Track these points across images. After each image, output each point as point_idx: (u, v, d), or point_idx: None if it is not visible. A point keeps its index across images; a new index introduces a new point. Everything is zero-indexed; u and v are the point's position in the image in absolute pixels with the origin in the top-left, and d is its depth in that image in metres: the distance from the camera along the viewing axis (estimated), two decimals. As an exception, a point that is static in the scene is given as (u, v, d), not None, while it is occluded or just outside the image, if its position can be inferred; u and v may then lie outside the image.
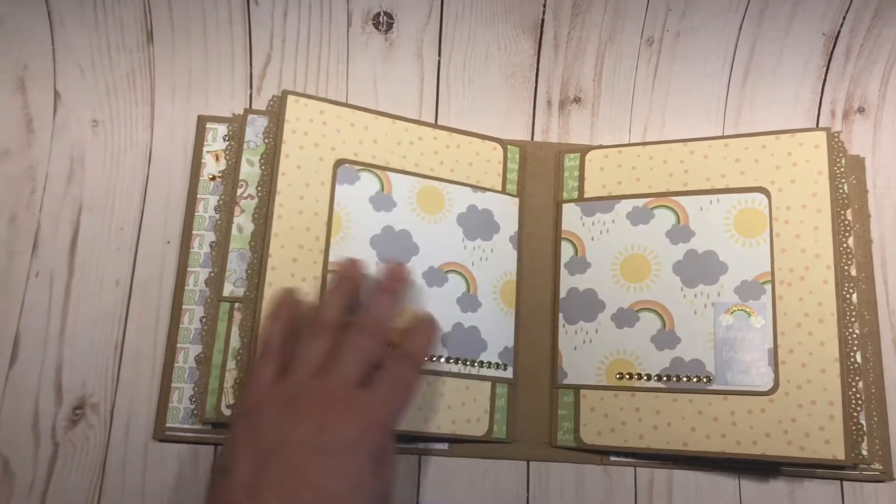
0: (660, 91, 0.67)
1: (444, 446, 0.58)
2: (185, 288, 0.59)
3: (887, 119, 0.66)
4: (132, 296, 0.60)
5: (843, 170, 0.60)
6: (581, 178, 0.63)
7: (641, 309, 0.59)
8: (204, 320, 0.58)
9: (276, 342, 0.52)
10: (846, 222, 0.59)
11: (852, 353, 0.57)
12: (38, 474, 0.56)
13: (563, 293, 0.61)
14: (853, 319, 0.57)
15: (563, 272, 0.62)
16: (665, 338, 0.58)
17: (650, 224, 0.61)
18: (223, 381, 0.56)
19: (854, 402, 0.56)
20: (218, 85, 0.65)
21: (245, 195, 0.59)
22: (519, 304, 0.61)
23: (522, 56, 0.67)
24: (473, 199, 0.62)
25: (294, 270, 0.57)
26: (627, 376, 0.58)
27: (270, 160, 0.59)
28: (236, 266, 0.58)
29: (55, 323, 0.58)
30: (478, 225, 0.62)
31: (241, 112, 0.62)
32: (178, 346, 0.58)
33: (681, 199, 0.61)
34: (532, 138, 0.66)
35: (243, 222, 0.59)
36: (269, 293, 0.56)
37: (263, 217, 0.58)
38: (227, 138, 0.62)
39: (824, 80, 0.66)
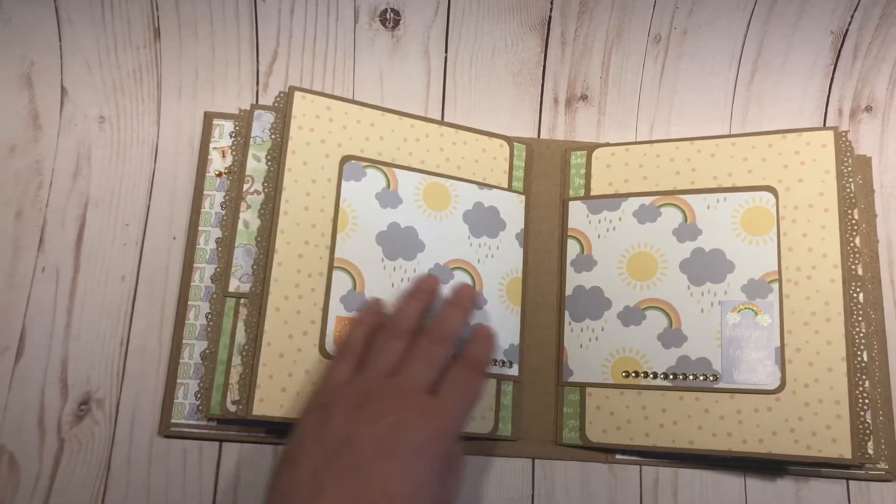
0: (667, 89, 0.67)
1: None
2: (191, 284, 0.59)
3: (895, 118, 0.65)
4: (138, 291, 0.60)
5: (850, 169, 0.60)
6: (588, 176, 0.63)
7: (648, 307, 0.59)
8: (209, 316, 0.58)
9: (355, 343, 0.54)
10: (853, 221, 0.59)
11: (859, 352, 0.57)
12: (44, 469, 0.56)
13: (569, 291, 0.61)
14: (860, 318, 0.57)
15: (570, 270, 0.62)
16: (671, 336, 0.58)
17: (657, 222, 0.61)
18: (228, 377, 0.56)
19: (860, 401, 0.55)
20: (224, 81, 0.65)
21: (251, 191, 0.59)
22: (525, 301, 0.61)
23: (529, 53, 0.67)
24: (479, 197, 0.62)
25: (300, 266, 0.57)
26: (633, 374, 0.58)
27: (277, 156, 0.59)
28: (242, 262, 0.58)
29: (61, 318, 0.59)
30: (484, 222, 0.61)
31: (248, 108, 0.62)
32: (184, 341, 0.58)
33: (688, 198, 0.61)
34: (538, 136, 0.66)
35: (249, 218, 0.59)
36: (276, 289, 0.56)
37: (269, 213, 0.58)
38: (233, 134, 0.62)
39: (832, 79, 0.66)
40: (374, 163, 0.60)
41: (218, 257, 0.59)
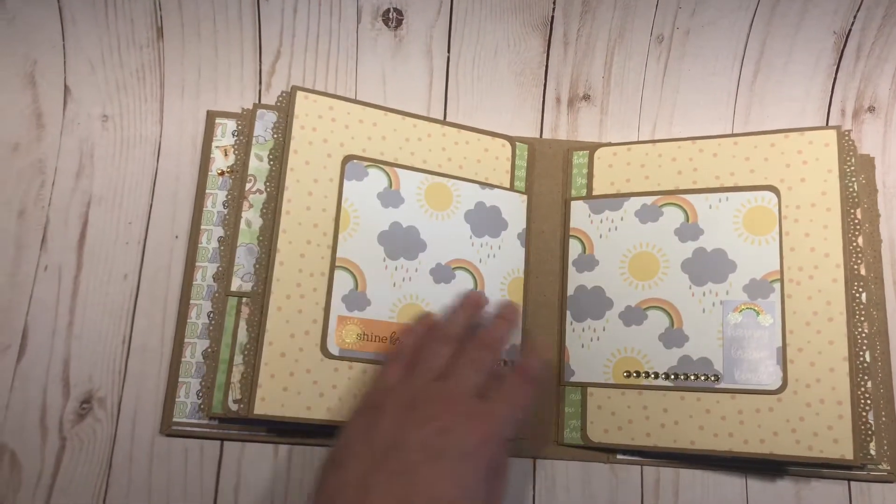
0: (669, 89, 0.67)
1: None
2: (193, 282, 0.59)
3: (898, 118, 0.65)
4: (140, 290, 0.60)
5: (852, 168, 0.60)
6: (590, 176, 0.63)
7: (649, 307, 0.59)
8: (211, 315, 0.58)
9: (406, 349, 0.55)
10: (856, 221, 0.59)
11: (861, 353, 0.56)
12: (46, 468, 0.56)
13: (570, 291, 0.61)
14: (862, 318, 0.57)
15: (571, 270, 0.62)
16: (673, 336, 0.58)
17: (659, 222, 0.61)
18: (230, 376, 0.56)
19: (863, 401, 0.55)
20: (227, 81, 0.65)
21: (253, 190, 0.60)
22: (526, 301, 0.61)
23: (532, 53, 0.67)
24: (481, 196, 0.62)
25: (302, 266, 0.57)
26: (635, 374, 0.58)
27: (279, 155, 0.59)
28: (244, 261, 0.58)
29: (63, 317, 0.59)
30: (486, 222, 0.61)
31: (251, 108, 0.62)
32: (186, 340, 0.58)
33: (690, 197, 0.61)
34: (541, 135, 0.66)
35: (251, 217, 0.59)
36: (277, 288, 0.56)
37: (272, 212, 0.58)
38: (235, 134, 0.62)
39: (835, 79, 0.66)
40: (377, 162, 0.60)
41: (220, 256, 0.59)
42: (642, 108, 0.66)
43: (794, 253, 0.58)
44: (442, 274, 0.60)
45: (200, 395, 0.57)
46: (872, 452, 0.55)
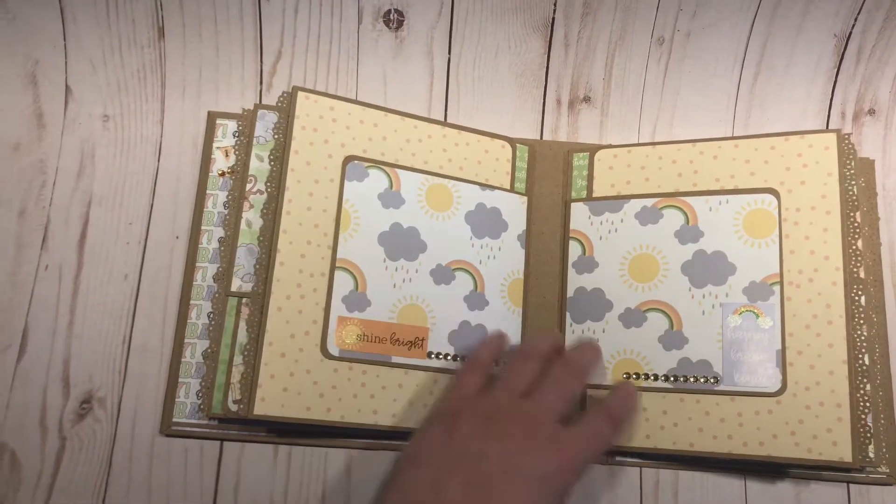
0: (670, 91, 0.67)
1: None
2: (193, 283, 0.59)
3: (898, 121, 0.66)
4: (140, 290, 0.60)
5: (852, 172, 0.60)
6: (590, 178, 0.63)
7: (649, 309, 0.59)
8: (211, 315, 0.58)
9: (484, 359, 0.55)
10: (855, 224, 0.59)
11: (860, 356, 0.56)
12: (46, 467, 0.56)
13: (570, 292, 0.61)
14: (861, 321, 0.57)
15: (571, 271, 0.62)
16: (673, 338, 0.58)
17: (659, 224, 0.61)
18: (230, 377, 0.56)
19: (862, 404, 0.55)
20: (228, 81, 0.65)
21: (254, 190, 0.60)
22: (526, 302, 0.61)
23: (532, 55, 0.67)
24: (482, 198, 0.62)
25: (302, 266, 0.57)
26: (634, 376, 0.58)
27: (280, 156, 0.59)
28: (244, 261, 0.58)
29: (63, 316, 0.59)
30: (486, 223, 0.61)
31: (251, 108, 0.62)
32: (186, 340, 0.58)
33: (690, 200, 0.61)
34: (541, 137, 0.66)
35: (252, 218, 0.59)
36: (277, 289, 0.56)
37: (272, 213, 0.58)
38: (236, 134, 0.62)
39: (835, 81, 0.66)
40: (377, 163, 0.60)
41: (220, 257, 0.59)
42: (643, 110, 0.66)
43: (793, 256, 0.58)
44: (442, 275, 0.60)
45: (200, 395, 0.57)
46: (871, 455, 0.55)
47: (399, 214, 0.60)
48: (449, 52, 0.67)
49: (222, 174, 0.61)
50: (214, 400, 0.56)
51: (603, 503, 0.58)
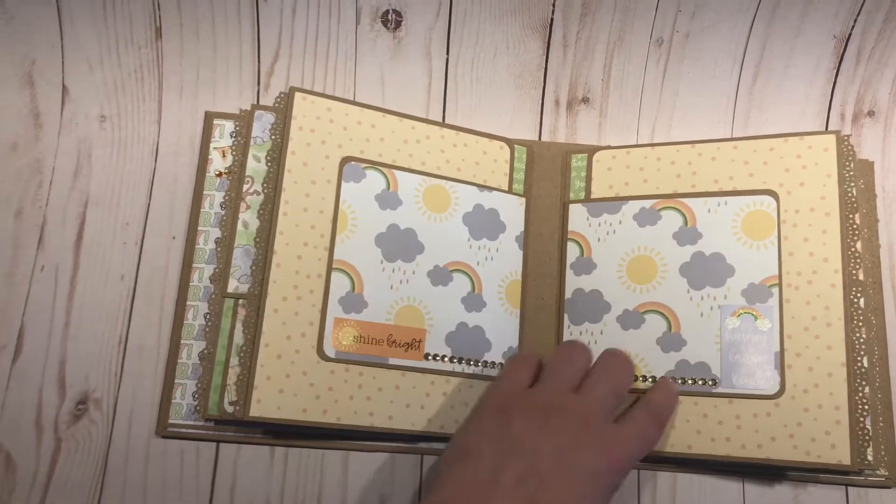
0: (668, 92, 0.66)
1: (446, 446, 0.58)
2: (190, 284, 0.59)
3: (898, 123, 0.65)
4: (137, 291, 0.60)
5: (852, 173, 0.59)
6: (588, 179, 0.63)
7: (647, 311, 0.59)
8: (208, 316, 0.58)
9: (532, 353, 0.56)
10: (854, 226, 0.59)
11: (859, 358, 0.56)
12: (41, 468, 0.56)
13: (568, 294, 0.61)
14: (860, 324, 0.57)
15: (569, 273, 0.61)
16: (671, 340, 0.58)
17: (657, 225, 0.60)
18: (226, 378, 0.56)
19: (860, 406, 0.55)
20: (226, 81, 0.65)
21: (251, 191, 0.59)
22: (524, 304, 0.61)
23: (531, 55, 0.67)
24: (480, 199, 0.62)
25: (299, 268, 0.57)
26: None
27: (277, 157, 0.59)
28: (241, 262, 0.58)
29: (59, 317, 0.59)
30: (484, 224, 0.61)
31: (249, 109, 0.62)
32: (182, 342, 0.58)
33: (688, 201, 0.60)
34: (539, 138, 0.66)
35: (249, 219, 0.59)
36: (274, 290, 0.56)
37: (269, 214, 0.58)
38: (233, 135, 0.62)
39: (834, 83, 0.66)
40: (374, 164, 0.60)
41: (217, 258, 0.59)
42: (641, 112, 0.66)
43: (792, 258, 0.58)
44: (439, 276, 0.59)
45: (196, 396, 0.57)
46: (870, 458, 0.55)
47: (396, 215, 0.60)
48: (447, 53, 0.67)
49: (219, 175, 0.61)
50: (210, 401, 0.56)
51: (600, 506, 0.58)
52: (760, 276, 0.58)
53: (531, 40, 0.67)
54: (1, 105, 0.62)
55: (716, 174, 0.61)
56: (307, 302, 0.56)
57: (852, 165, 0.60)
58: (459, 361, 0.58)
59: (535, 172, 0.64)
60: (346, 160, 0.59)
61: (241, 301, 0.57)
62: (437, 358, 0.58)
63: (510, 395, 0.52)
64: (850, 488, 0.57)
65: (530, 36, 0.67)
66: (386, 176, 0.60)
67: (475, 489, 0.46)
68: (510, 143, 0.64)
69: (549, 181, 0.64)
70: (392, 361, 0.57)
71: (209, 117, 0.63)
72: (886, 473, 0.56)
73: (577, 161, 0.64)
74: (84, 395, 0.57)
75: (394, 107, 0.62)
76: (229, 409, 0.55)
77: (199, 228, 0.60)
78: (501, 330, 0.60)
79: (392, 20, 0.67)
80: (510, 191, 0.63)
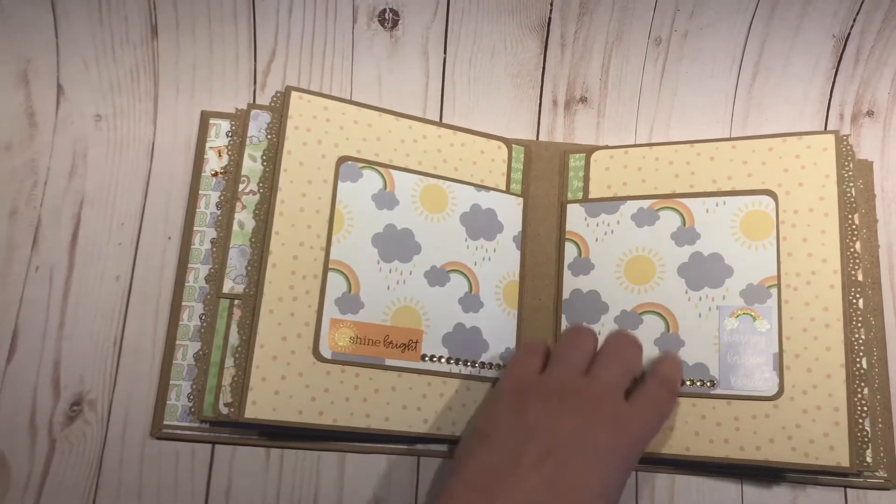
0: (667, 91, 0.66)
1: (443, 447, 0.58)
2: (186, 284, 0.59)
3: (897, 123, 0.65)
4: (132, 291, 0.59)
5: (850, 173, 0.59)
6: (586, 179, 0.63)
7: (645, 311, 0.59)
8: (203, 317, 0.57)
9: (541, 343, 0.56)
10: (853, 227, 0.59)
11: (858, 359, 0.56)
12: (35, 470, 0.55)
13: (566, 294, 0.61)
14: (859, 325, 0.57)
15: (567, 273, 0.61)
16: (669, 341, 0.58)
17: (655, 226, 0.60)
18: (221, 379, 0.55)
19: (859, 408, 0.55)
20: (222, 81, 0.64)
21: (247, 191, 0.59)
22: (521, 305, 0.61)
23: (529, 55, 0.67)
24: (477, 199, 0.61)
25: (295, 268, 0.56)
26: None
27: (273, 156, 0.59)
28: (237, 263, 0.58)
29: (54, 318, 0.58)
30: (481, 224, 0.61)
31: (245, 108, 0.62)
32: (178, 342, 0.58)
33: (686, 201, 0.60)
34: (537, 138, 0.65)
35: (244, 219, 0.58)
36: (269, 290, 0.55)
37: (265, 213, 0.57)
38: (229, 134, 0.62)
39: (833, 82, 0.66)
40: (371, 164, 0.60)
41: (212, 258, 0.59)
42: (639, 111, 0.66)
43: (791, 258, 0.57)
44: (436, 277, 0.59)
45: (191, 397, 0.56)
46: (869, 460, 0.55)
47: (393, 215, 0.59)
48: (444, 52, 0.66)
49: (215, 174, 0.61)
50: (206, 402, 0.56)
51: (598, 507, 0.57)
52: (759, 277, 0.57)
53: (529, 40, 0.67)
54: (-5, 104, 0.62)
55: (714, 174, 0.60)
56: (303, 302, 0.56)
57: (851, 165, 0.59)
58: (456, 362, 0.58)
59: (533, 172, 0.64)
60: (342, 160, 0.59)
61: (236, 301, 0.57)
62: (434, 359, 0.58)
63: (523, 382, 0.53)
64: (848, 490, 0.57)
65: (528, 35, 0.67)
66: (383, 175, 0.60)
67: (495, 471, 0.47)
68: (508, 142, 0.63)
69: (547, 181, 0.64)
70: (389, 362, 0.57)
71: (205, 116, 0.62)
72: (885, 475, 0.56)
73: (575, 161, 0.63)
74: (79, 396, 0.57)
75: (391, 106, 0.62)
76: (224, 410, 0.55)
77: (195, 228, 0.60)
78: (499, 331, 0.60)
79: (389, 19, 0.66)
80: (508, 191, 0.62)
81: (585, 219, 0.62)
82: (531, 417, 0.49)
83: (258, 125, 0.61)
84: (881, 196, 0.63)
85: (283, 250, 0.56)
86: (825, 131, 0.62)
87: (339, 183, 0.59)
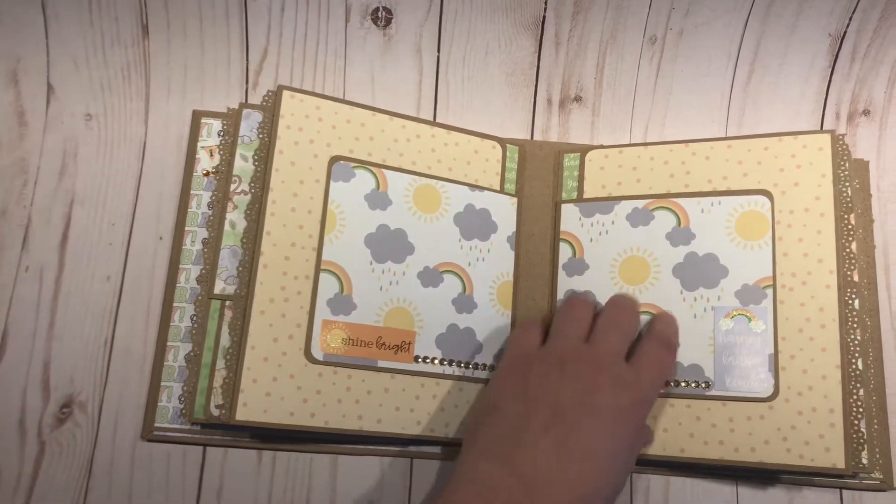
0: (662, 90, 0.66)
1: (436, 449, 0.57)
2: (177, 285, 0.58)
3: (892, 122, 0.64)
4: (123, 292, 0.59)
5: (846, 173, 0.59)
6: (580, 179, 0.62)
7: (640, 312, 0.58)
8: (194, 318, 0.57)
9: (537, 321, 0.57)
10: (849, 227, 0.58)
11: (854, 360, 0.56)
12: (24, 472, 0.55)
13: (560, 295, 0.60)
14: (855, 325, 0.56)
15: (561, 273, 0.61)
16: (663, 342, 0.57)
17: (650, 226, 0.60)
18: (212, 381, 0.55)
19: (855, 409, 0.54)
20: (214, 80, 0.64)
21: (238, 191, 0.59)
22: (516, 305, 0.61)
23: (523, 53, 0.66)
24: (471, 199, 0.61)
25: (286, 269, 0.56)
26: (624, 380, 0.57)
27: (264, 156, 0.58)
28: (228, 263, 0.57)
29: (44, 318, 0.58)
30: (475, 224, 0.61)
31: (237, 107, 0.61)
32: (168, 343, 0.57)
33: (681, 201, 0.60)
34: (532, 137, 0.65)
35: (236, 219, 0.58)
36: (261, 291, 0.55)
37: (256, 214, 0.57)
38: (221, 133, 0.61)
39: (829, 81, 0.65)
40: (364, 163, 0.59)
41: (204, 258, 0.58)
42: (634, 110, 0.65)
43: (787, 258, 0.57)
44: (430, 277, 0.59)
45: (182, 399, 0.56)
46: (864, 461, 0.55)
47: (386, 216, 0.59)
48: (438, 51, 0.66)
49: (207, 174, 0.60)
50: (197, 404, 0.55)
51: (592, 510, 0.57)
52: (754, 277, 0.57)
53: (523, 38, 0.66)
54: (-15, 103, 0.62)
55: (709, 174, 0.60)
56: (295, 303, 0.55)
57: (847, 165, 0.59)
58: (450, 364, 0.58)
59: (527, 172, 0.63)
60: (334, 159, 0.58)
61: (227, 303, 0.57)
62: (428, 360, 0.57)
63: (524, 355, 0.53)
64: (844, 491, 0.57)
65: (522, 34, 0.66)
66: (375, 175, 0.59)
67: (506, 438, 0.48)
68: (502, 142, 0.63)
69: (541, 181, 0.63)
70: (381, 364, 0.56)
71: (196, 116, 0.62)
72: (881, 476, 0.56)
73: (570, 160, 0.63)
74: (69, 397, 0.56)
75: (384, 105, 0.62)
76: (216, 412, 0.54)
77: (186, 229, 0.59)
78: (493, 332, 0.59)
79: (382, 17, 0.66)
80: (502, 190, 0.62)
81: (580, 219, 0.61)
82: (534, 385, 0.50)
83: (250, 125, 0.60)
84: (877, 196, 0.62)
85: (274, 251, 0.56)
86: (821, 131, 0.62)
87: (332, 183, 0.58)
